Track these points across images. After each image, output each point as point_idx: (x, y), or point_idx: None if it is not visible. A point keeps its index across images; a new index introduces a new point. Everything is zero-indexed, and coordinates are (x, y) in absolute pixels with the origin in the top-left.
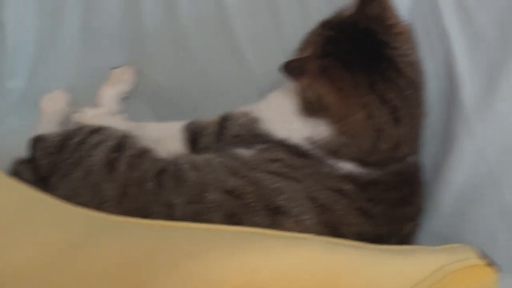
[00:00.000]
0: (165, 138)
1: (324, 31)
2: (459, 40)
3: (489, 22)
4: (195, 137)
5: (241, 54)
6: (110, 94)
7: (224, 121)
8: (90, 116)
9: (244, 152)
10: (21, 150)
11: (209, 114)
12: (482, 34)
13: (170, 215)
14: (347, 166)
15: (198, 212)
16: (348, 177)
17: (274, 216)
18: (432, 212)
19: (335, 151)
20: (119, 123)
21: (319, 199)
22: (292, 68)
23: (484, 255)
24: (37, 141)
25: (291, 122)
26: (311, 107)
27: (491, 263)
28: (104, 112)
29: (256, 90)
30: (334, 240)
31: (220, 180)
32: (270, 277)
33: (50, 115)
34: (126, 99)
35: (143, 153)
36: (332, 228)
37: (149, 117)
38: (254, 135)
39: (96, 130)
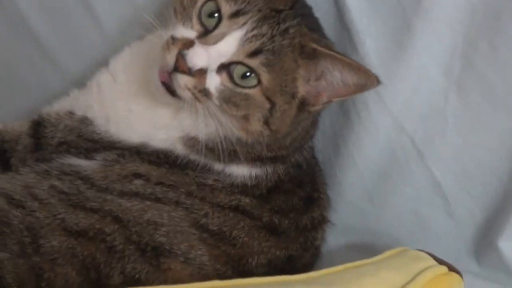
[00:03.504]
0: None
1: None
2: None
3: None
4: (4, 154)
5: (19, 14)
6: None
7: (37, 129)
8: None
9: (83, 164)
10: None
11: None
12: None
13: None
14: (240, 170)
15: (35, 268)
16: (244, 187)
17: (155, 259)
18: (340, 201)
19: (225, 153)
20: None
21: (209, 225)
22: None
23: (439, 258)
24: None
25: (151, 119)
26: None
27: (453, 268)
28: None
29: (52, 65)
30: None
31: (58, 217)
32: None
33: None
34: None
35: None
36: (235, 262)
37: None
38: (89, 140)
39: None
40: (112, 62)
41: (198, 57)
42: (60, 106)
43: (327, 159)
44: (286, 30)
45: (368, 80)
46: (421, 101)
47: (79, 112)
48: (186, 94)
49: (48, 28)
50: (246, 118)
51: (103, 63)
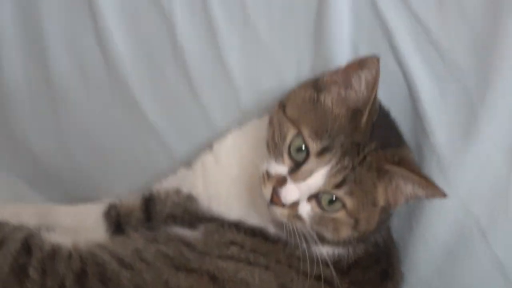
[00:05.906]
0: (83, 226)
1: None
2: (422, 73)
3: (459, 49)
4: (119, 225)
5: (136, 104)
6: None
7: (148, 204)
8: None
9: (186, 234)
10: None
11: (108, 184)
12: (451, 63)
13: None
14: (324, 250)
15: None
16: (327, 263)
17: None
18: (411, 276)
19: (314, 238)
20: (26, 209)
21: None
22: None
23: None
24: None
25: (248, 204)
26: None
27: None
28: None
29: (163, 148)
30: None
31: (162, 277)
32: None
33: None
34: None
35: (54, 254)
36: None
37: (31, 197)
38: (193, 214)
39: None
40: (216, 146)
41: (290, 194)
42: (168, 183)
43: (401, 238)
44: (364, 159)
45: (435, 193)
46: (486, 187)
47: (185, 190)
48: (282, 219)
49: (160, 115)
50: (335, 229)
51: (207, 145)
